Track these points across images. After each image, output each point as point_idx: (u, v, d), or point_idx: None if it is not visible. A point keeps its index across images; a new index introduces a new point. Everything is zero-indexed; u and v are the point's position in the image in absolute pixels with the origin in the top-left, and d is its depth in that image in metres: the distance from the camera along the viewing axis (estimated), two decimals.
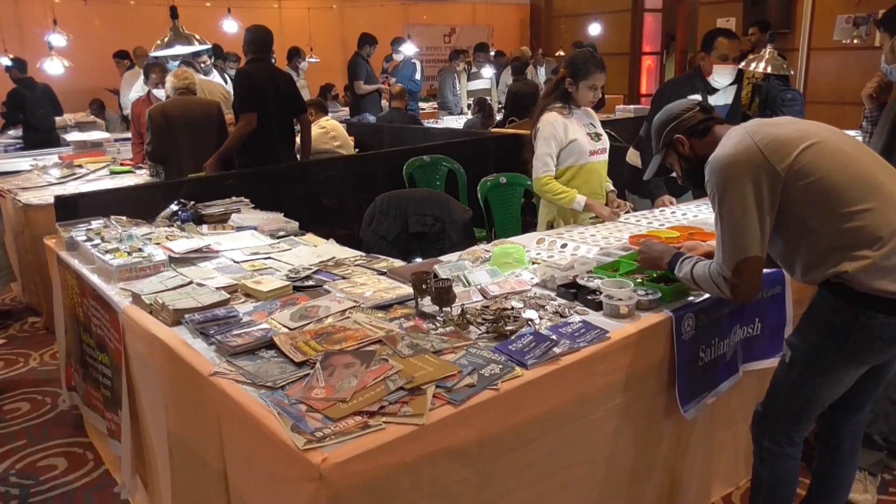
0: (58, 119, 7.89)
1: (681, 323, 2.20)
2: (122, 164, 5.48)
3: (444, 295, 2.24)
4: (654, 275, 2.38)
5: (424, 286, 2.29)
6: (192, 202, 3.62)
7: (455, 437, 1.69)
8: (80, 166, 5.52)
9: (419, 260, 2.86)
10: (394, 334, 2.06)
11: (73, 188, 4.88)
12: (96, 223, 3.45)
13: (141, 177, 5.08)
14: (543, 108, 3.45)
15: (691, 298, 2.29)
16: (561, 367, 1.89)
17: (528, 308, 2.22)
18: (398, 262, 2.84)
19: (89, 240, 3.12)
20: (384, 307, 2.32)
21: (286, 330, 2.15)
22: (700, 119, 2.27)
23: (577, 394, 1.97)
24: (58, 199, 3.74)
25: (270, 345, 2.04)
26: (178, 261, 2.90)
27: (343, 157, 5.18)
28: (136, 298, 2.49)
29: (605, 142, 3.54)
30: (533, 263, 2.71)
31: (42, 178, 5.24)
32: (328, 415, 1.66)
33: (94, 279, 2.83)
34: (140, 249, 2.93)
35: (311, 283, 2.60)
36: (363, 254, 3.01)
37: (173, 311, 2.28)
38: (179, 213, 3.48)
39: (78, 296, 3.09)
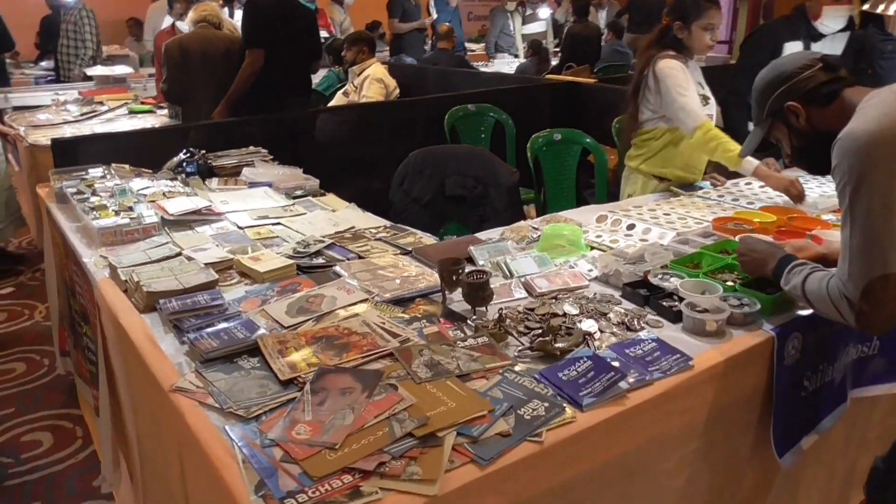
0: None
1: (785, 345, 1.69)
2: (142, 103, 5.08)
3: (478, 292, 1.77)
4: (747, 277, 1.86)
5: (455, 278, 1.83)
6: (202, 151, 3.19)
7: None
8: (100, 103, 5.14)
9: (453, 237, 2.39)
10: (409, 346, 1.60)
11: (88, 127, 4.50)
12: (94, 172, 3.06)
13: (160, 118, 4.67)
14: (651, 59, 2.85)
15: (798, 311, 1.77)
16: (627, 408, 1.42)
17: (584, 315, 1.74)
18: (428, 238, 2.36)
19: (79, 192, 2.73)
20: (403, 301, 1.86)
21: (278, 329, 1.72)
22: (822, 81, 1.71)
23: (645, 440, 1.49)
24: (55, 142, 3.35)
25: (255, 349, 1.61)
26: (172, 223, 2.49)
27: (377, 104, 4.66)
28: (113, 271, 2.08)
29: (713, 107, 2.94)
30: (592, 249, 2.21)
31: (60, 114, 4.87)
32: (308, 470, 1.22)
33: (75, 241, 2.43)
34: (130, 208, 2.52)
35: (320, 260, 2.16)
36: (387, 224, 2.54)
37: (146, 294, 1.86)
38: (185, 164, 3.05)
39: (63, 256, 2.71)
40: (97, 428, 2.70)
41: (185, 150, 3.17)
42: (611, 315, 1.74)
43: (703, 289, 1.80)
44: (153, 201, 2.62)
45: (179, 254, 2.18)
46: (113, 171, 3.06)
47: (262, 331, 1.68)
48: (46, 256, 3.01)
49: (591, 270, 2.01)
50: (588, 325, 1.69)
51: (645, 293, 1.83)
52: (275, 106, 4.28)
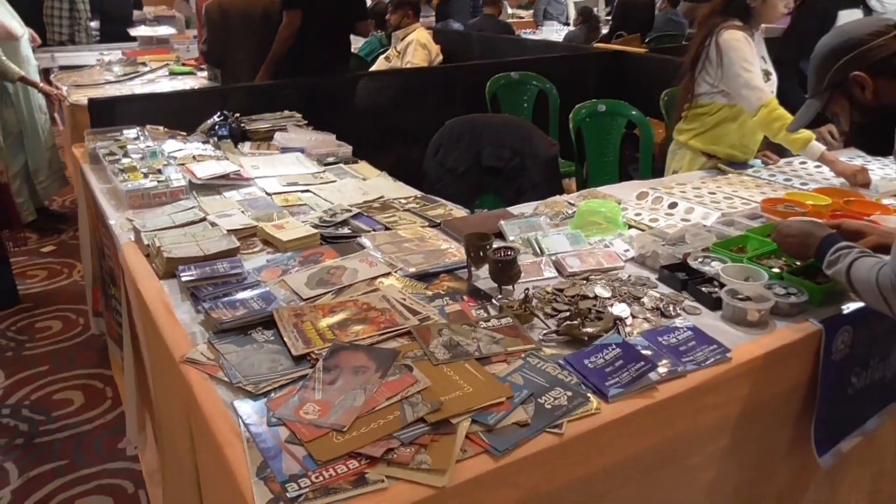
0: (136, 12, 7.54)
1: (833, 339, 1.57)
2: (184, 64, 5.06)
3: (505, 270, 1.68)
4: (798, 263, 1.73)
5: (482, 254, 1.74)
6: (236, 115, 3.14)
7: (490, 501, 1.17)
8: (143, 63, 5.14)
9: (484, 210, 2.30)
10: (429, 325, 1.53)
11: (129, 87, 4.50)
12: (128, 133, 3.04)
13: (200, 79, 4.64)
14: (714, 28, 2.68)
15: (850, 302, 1.65)
16: (657, 401, 1.32)
17: (617, 299, 1.64)
18: (459, 211, 2.28)
19: (111, 154, 2.71)
20: (427, 277, 1.79)
21: (297, 300, 1.66)
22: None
23: (674, 435, 1.40)
24: (92, 102, 3.34)
25: (270, 321, 1.56)
26: (200, 188, 2.45)
27: (419, 70, 4.55)
28: (137, 235, 2.05)
29: (774, 83, 2.76)
30: (630, 227, 2.10)
31: (103, 75, 4.89)
32: (313, 453, 1.16)
33: (104, 202, 2.41)
34: (159, 171, 2.49)
35: (345, 230, 2.09)
36: (418, 194, 2.46)
37: (167, 259, 1.83)
38: (217, 127, 3.01)
39: (94, 218, 2.71)
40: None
41: (219, 114, 3.13)
42: (645, 300, 1.63)
43: (746, 275, 1.68)
44: (182, 164, 2.58)
45: (204, 219, 2.14)
46: (147, 133, 3.03)
47: (279, 302, 1.63)
48: (80, 217, 3.02)
49: (627, 251, 1.91)
50: (620, 309, 1.59)
51: (683, 277, 1.72)
52: (314, 70, 4.20)
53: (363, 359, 1.40)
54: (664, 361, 1.40)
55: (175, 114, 3.40)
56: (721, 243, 1.86)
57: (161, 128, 3.13)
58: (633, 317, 1.57)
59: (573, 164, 4.06)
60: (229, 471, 1.16)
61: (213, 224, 2.09)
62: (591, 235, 2.01)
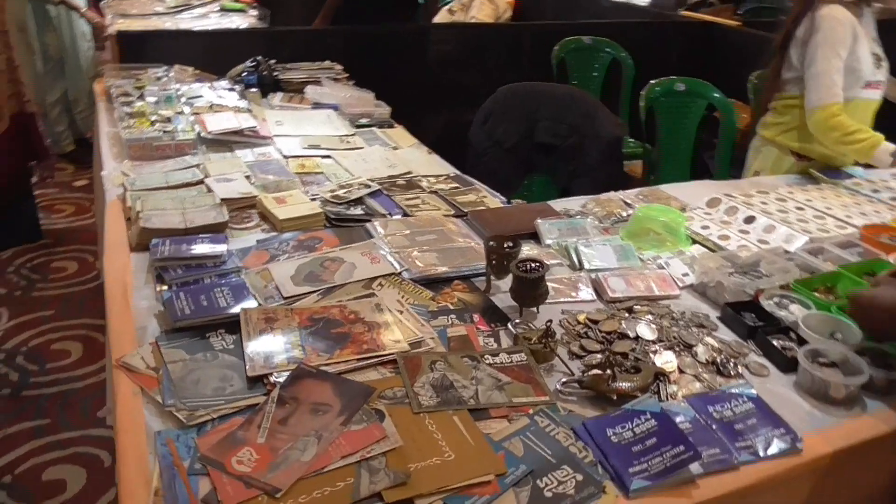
0: None
1: None
2: (237, 0, 4.78)
3: (528, 289, 1.37)
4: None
5: (505, 262, 1.43)
6: (271, 61, 2.86)
7: None
8: None
9: (520, 202, 1.97)
10: (421, 353, 1.23)
11: (177, 21, 4.27)
12: (154, 71, 2.80)
13: (249, 18, 4.36)
14: (814, 1, 2.26)
15: None
16: (694, 502, 1.00)
17: (663, 344, 1.30)
18: (494, 200, 1.95)
19: (125, 94, 2.47)
20: (437, 282, 1.49)
21: (276, 298, 1.39)
22: None
23: None
24: (121, 35, 3.11)
25: (236, 323, 1.29)
26: (210, 142, 2.19)
27: (482, 26, 4.17)
28: (123, 192, 1.81)
29: (885, 71, 2.32)
30: (694, 243, 1.74)
31: (153, 5, 4.66)
32: None
33: (104, 148, 2.18)
34: (169, 119, 2.24)
35: (357, 211, 1.80)
36: (452, 173, 2.14)
37: (141, 229, 1.57)
38: (246, 73, 2.73)
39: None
40: None
41: (252, 59, 2.85)
42: (699, 349, 1.29)
43: (834, 329, 1.32)
44: (197, 114, 2.32)
45: (202, 181, 1.88)
46: (173, 73, 2.78)
47: (250, 299, 1.35)
48: (95, 160, 2.81)
49: (686, 275, 1.56)
50: (665, 359, 1.26)
51: (752, 322, 1.37)
52: (373, 18, 3.86)
53: (328, 393, 1.11)
54: (711, 446, 1.07)
55: (211, 54, 3.15)
56: (805, 281, 1.49)
57: (190, 69, 2.88)
58: (682, 371, 1.24)
59: (641, 146, 3.65)
60: None
61: (209, 189, 1.83)
62: (646, 249, 1.67)
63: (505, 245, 1.48)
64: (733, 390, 1.19)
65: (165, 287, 1.39)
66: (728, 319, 1.41)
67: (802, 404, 1.19)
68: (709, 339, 1.32)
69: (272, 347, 1.21)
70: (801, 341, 1.31)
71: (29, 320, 2.83)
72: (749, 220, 1.83)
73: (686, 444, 1.04)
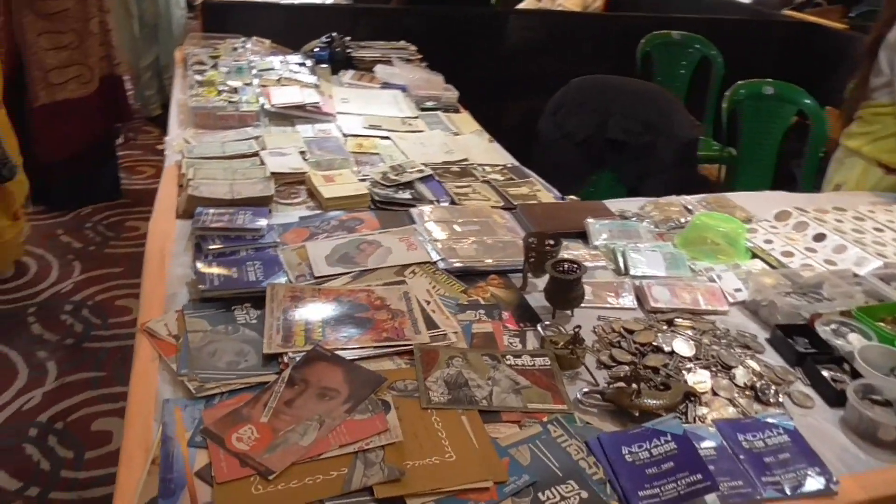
0: None
1: None
2: None
3: (563, 290, 1.31)
4: None
5: (544, 260, 1.37)
6: (346, 38, 2.86)
7: None
8: None
9: (573, 198, 1.89)
10: (439, 347, 1.19)
11: None
12: (232, 41, 2.85)
13: None
14: None
15: None
16: None
17: (699, 363, 1.22)
18: (548, 194, 1.89)
19: (199, 63, 2.52)
20: (472, 275, 1.45)
21: (307, 277, 1.38)
22: None
23: None
24: (206, 4, 3.17)
25: (263, 298, 1.28)
26: (273, 115, 2.21)
27: (568, 14, 4.05)
28: (181, 159, 1.85)
29: None
30: (753, 257, 1.63)
31: None
32: (219, 501, 0.89)
33: (173, 114, 2.24)
34: (236, 90, 2.27)
35: (405, 195, 1.77)
36: (510, 164, 2.09)
37: (188, 197, 1.60)
38: (318, 48, 2.74)
39: None
40: None
41: (327, 35, 2.86)
42: (738, 371, 1.21)
43: (894, 364, 1.21)
44: (265, 86, 2.34)
45: (257, 153, 1.89)
46: (250, 45, 2.83)
47: (280, 275, 1.35)
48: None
49: (738, 290, 1.46)
50: (699, 378, 1.18)
51: (803, 348, 1.27)
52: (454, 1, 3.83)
53: (338, 378, 1.10)
54: (734, 479, 0.99)
55: (291, 28, 3.19)
56: (870, 309, 1.37)
57: (267, 41, 2.92)
58: (715, 393, 1.16)
59: (720, 149, 3.47)
60: (118, 493, 0.91)
61: (262, 162, 1.84)
62: (700, 259, 1.58)
63: (546, 242, 1.42)
64: (769, 419, 1.10)
65: (201, 259, 1.40)
66: (777, 343, 1.31)
67: (845, 443, 1.10)
68: (751, 362, 1.23)
69: (292, 326, 1.20)
70: (855, 374, 1.20)
71: (98, 275, 2.94)
72: (819, 237, 1.70)
73: (704, 472, 0.97)
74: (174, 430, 1.00)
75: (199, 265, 1.35)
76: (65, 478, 1.99)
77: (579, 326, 1.21)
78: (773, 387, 1.18)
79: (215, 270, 1.33)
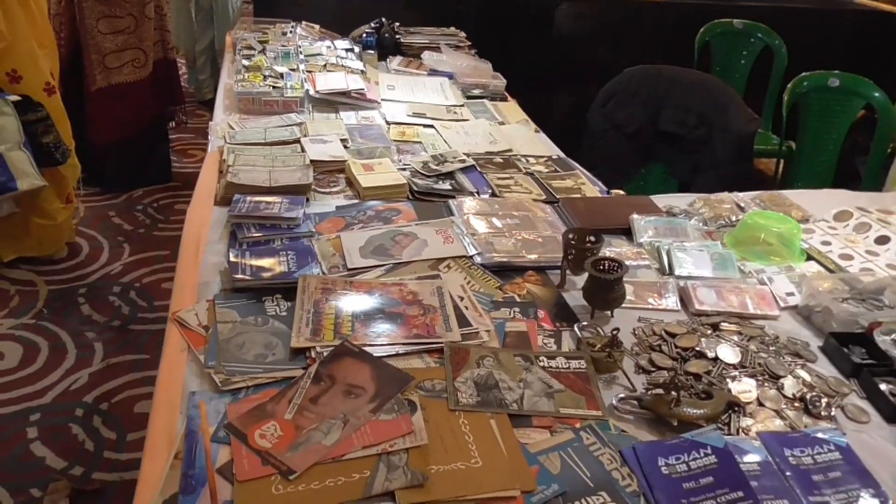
0: None
1: None
2: None
3: (602, 290, 1.26)
4: None
5: (584, 257, 1.32)
6: (394, 24, 2.83)
7: None
8: None
9: (618, 192, 1.82)
10: (470, 346, 1.16)
11: None
12: (281, 26, 2.85)
13: None
14: None
15: None
16: None
17: (745, 371, 1.16)
18: (593, 188, 1.83)
19: (247, 48, 2.53)
20: (508, 271, 1.40)
21: (340, 268, 1.36)
22: None
23: None
24: None
25: (294, 289, 1.27)
26: (317, 102, 2.19)
27: (620, 2, 3.93)
28: (223, 145, 1.85)
29: None
30: (808, 259, 1.54)
31: None
32: (239, 500, 0.88)
33: (219, 99, 2.24)
34: (281, 76, 2.26)
35: (445, 186, 1.74)
36: (556, 155, 2.03)
37: (226, 184, 1.59)
38: (365, 34, 2.72)
39: None
40: None
41: (377, 20, 2.83)
42: (787, 381, 1.14)
43: None
44: (310, 72, 2.33)
45: (298, 140, 1.88)
46: (299, 30, 2.82)
47: (313, 267, 1.33)
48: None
49: (790, 294, 1.38)
50: (744, 387, 1.12)
51: (859, 359, 1.19)
52: None
53: (365, 375, 1.07)
54: (778, 501, 0.93)
55: (341, 13, 3.18)
56: None
57: (316, 26, 2.91)
58: (761, 404, 1.10)
59: (778, 143, 3.32)
60: (139, 489, 0.91)
61: (303, 149, 1.82)
62: (750, 260, 1.50)
63: (587, 239, 1.37)
64: (820, 434, 1.04)
65: (235, 248, 1.39)
66: (831, 351, 1.23)
67: None
68: (801, 372, 1.16)
69: (321, 319, 1.18)
70: None
71: (146, 258, 2.99)
72: (882, 240, 1.60)
73: (746, 489, 0.91)
74: (198, 424, 0.99)
75: (232, 254, 1.34)
76: (107, 458, 2.02)
77: (618, 329, 1.16)
78: (825, 399, 1.11)
79: (248, 261, 1.32)
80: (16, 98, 2.13)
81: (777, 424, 1.06)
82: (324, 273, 1.33)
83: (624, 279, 1.28)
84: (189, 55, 4.44)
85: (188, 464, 0.92)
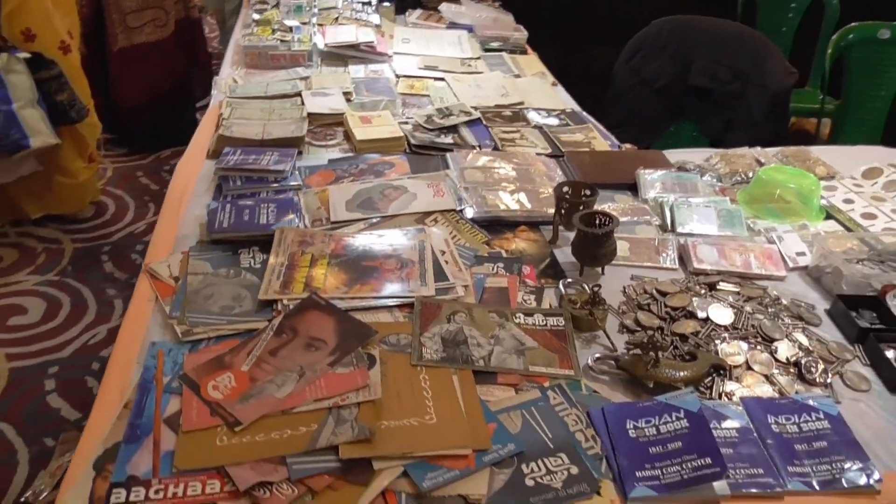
0: None
1: None
2: None
3: (590, 245, 1.19)
4: None
5: (575, 212, 1.25)
6: None
7: None
8: None
9: (629, 146, 1.72)
10: (442, 301, 1.10)
11: None
12: None
13: None
14: None
15: None
16: None
17: (737, 333, 1.08)
18: (603, 142, 1.74)
19: (261, 1, 2.48)
20: (498, 225, 1.34)
21: (323, 220, 1.32)
22: None
23: None
24: None
25: (271, 241, 1.23)
26: (326, 55, 2.14)
27: None
28: (225, 97, 1.82)
29: None
30: (827, 218, 1.44)
31: None
32: (177, 453, 0.85)
33: (228, 54, 2.21)
34: (290, 30, 2.21)
35: (447, 140, 1.67)
36: (569, 108, 1.94)
37: (218, 136, 1.56)
38: None
39: None
40: None
41: None
42: (782, 345, 1.06)
43: None
44: (322, 24, 2.28)
45: (299, 94, 1.83)
46: None
47: (294, 220, 1.29)
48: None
49: (800, 254, 1.29)
50: (733, 349, 1.04)
51: (867, 323, 1.10)
52: None
53: (328, 329, 1.03)
54: (752, 466, 0.86)
55: None
56: None
57: None
58: (749, 366, 1.02)
59: (821, 99, 3.12)
60: (85, 435, 0.89)
61: (303, 103, 1.78)
62: (764, 217, 1.40)
63: (582, 193, 1.30)
64: (810, 401, 0.96)
65: (217, 200, 1.37)
66: (837, 315, 1.14)
67: None
68: (799, 336, 1.08)
69: (293, 272, 1.15)
70: None
71: None
72: None
73: (715, 456, 0.85)
74: (153, 374, 0.97)
75: (211, 206, 1.31)
76: None
77: (598, 285, 1.09)
78: (822, 365, 1.03)
79: (227, 212, 1.29)
80: (27, 55, 2.13)
81: (765, 390, 0.99)
82: (305, 226, 1.29)
83: (621, 236, 1.21)
84: (219, 16, 4.42)
85: (136, 413, 0.90)
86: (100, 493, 0.80)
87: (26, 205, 2.65)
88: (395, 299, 1.10)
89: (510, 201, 1.39)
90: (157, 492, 0.80)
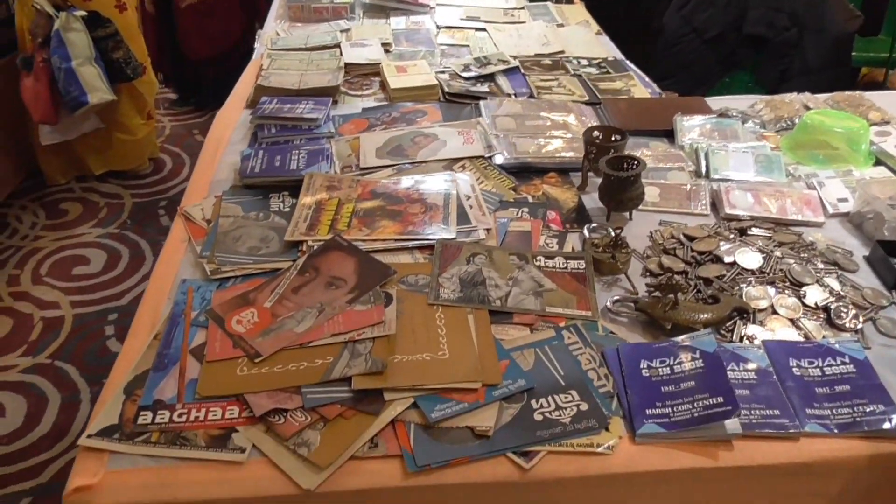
0: None
1: None
2: None
3: (616, 190, 1.17)
4: None
5: (604, 158, 1.23)
6: None
7: None
8: None
9: (669, 94, 1.67)
10: (462, 243, 1.11)
11: None
12: None
13: None
14: None
15: None
16: (716, 466, 0.81)
17: (764, 278, 1.05)
18: (643, 90, 1.69)
19: None
20: (527, 171, 1.33)
21: (353, 167, 1.33)
22: None
23: None
24: None
25: (300, 186, 1.26)
26: (368, 8, 2.14)
27: None
28: (266, 49, 1.84)
29: None
30: (877, 164, 1.37)
31: None
32: (200, 381, 0.89)
33: (273, 8, 2.23)
34: None
35: (482, 88, 1.66)
36: (612, 57, 1.89)
37: (256, 87, 1.59)
38: None
39: None
40: None
41: None
42: (811, 290, 1.02)
43: None
44: None
45: (338, 45, 1.84)
46: None
47: (324, 165, 1.31)
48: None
49: (842, 200, 1.24)
50: (759, 294, 1.02)
51: None
52: None
53: (349, 269, 1.05)
54: (768, 411, 0.85)
55: None
56: None
57: None
58: (774, 311, 1.00)
59: (891, 47, 2.95)
60: (119, 362, 0.94)
61: (342, 53, 1.79)
62: (806, 163, 1.35)
63: (612, 137, 1.27)
64: (836, 346, 0.93)
65: (248, 148, 1.40)
66: (875, 261, 1.10)
67: None
68: (830, 281, 1.04)
69: (320, 215, 1.17)
70: None
71: None
72: None
73: (728, 396, 0.84)
74: (182, 309, 1.01)
75: (244, 152, 1.34)
76: None
77: (620, 228, 1.08)
78: (854, 310, 0.99)
79: (259, 158, 1.32)
80: (84, 13, 2.20)
81: (789, 334, 0.96)
82: (335, 172, 1.31)
83: (651, 182, 1.19)
84: None
85: (165, 344, 0.95)
86: (128, 415, 0.85)
87: (90, 161, 2.76)
88: (416, 241, 1.11)
89: (540, 148, 1.38)
90: (180, 415, 0.85)
